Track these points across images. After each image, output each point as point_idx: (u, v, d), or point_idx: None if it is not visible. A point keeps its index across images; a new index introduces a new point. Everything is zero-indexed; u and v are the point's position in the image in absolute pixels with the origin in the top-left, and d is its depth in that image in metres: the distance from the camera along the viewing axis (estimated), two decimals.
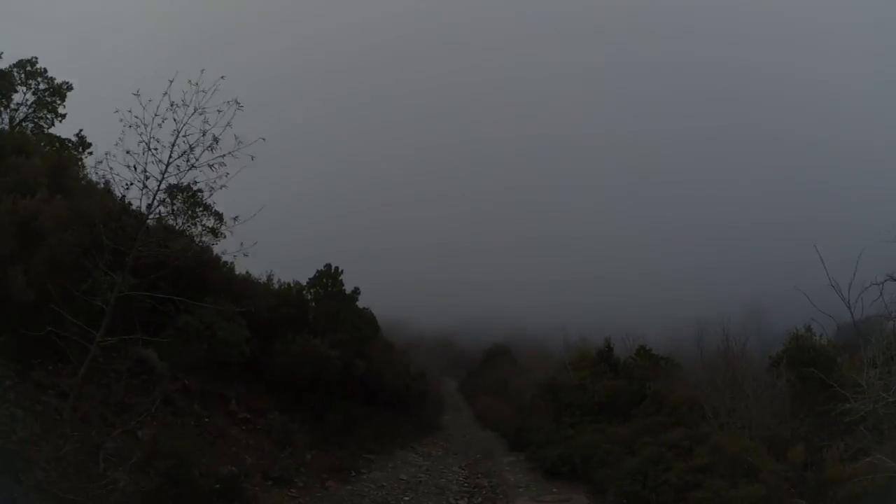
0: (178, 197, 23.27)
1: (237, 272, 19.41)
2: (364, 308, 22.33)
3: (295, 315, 19.34)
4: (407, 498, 12.81)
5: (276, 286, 20.32)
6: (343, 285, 21.98)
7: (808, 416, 11.27)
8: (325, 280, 21.67)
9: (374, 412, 22.20)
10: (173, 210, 22.23)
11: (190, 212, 23.36)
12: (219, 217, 23.47)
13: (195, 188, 23.33)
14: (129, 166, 10.57)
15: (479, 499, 13.39)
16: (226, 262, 20.53)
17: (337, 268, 22.09)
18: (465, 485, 15.04)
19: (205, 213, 23.52)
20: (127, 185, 10.86)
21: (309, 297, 21.36)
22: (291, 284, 20.74)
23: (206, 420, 14.47)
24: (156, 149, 10.49)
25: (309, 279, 21.76)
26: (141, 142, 10.32)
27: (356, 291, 21.82)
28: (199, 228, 23.01)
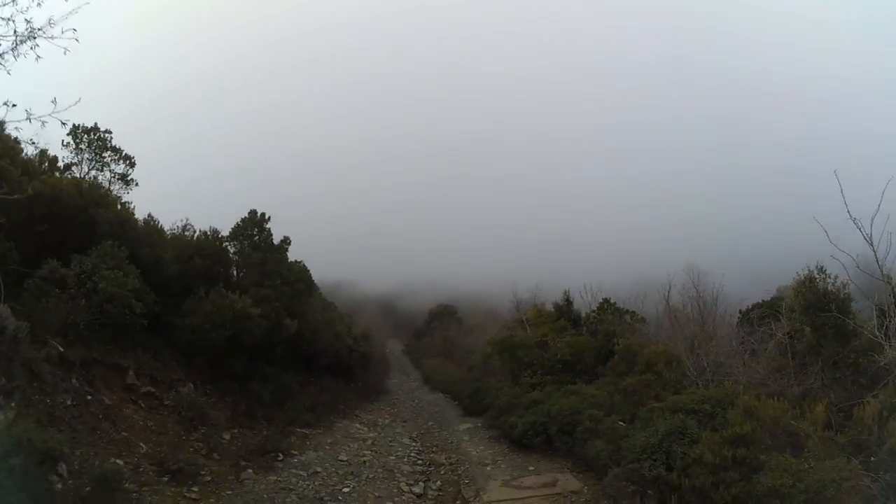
0: (83, 138, 19.38)
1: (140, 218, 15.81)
2: (296, 261, 19.07)
3: (210, 267, 15.93)
4: (347, 489, 10.03)
5: (194, 237, 16.73)
6: (271, 235, 18.59)
7: (825, 370, 9.30)
8: (248, 229, 18.20)
9: (312, 379, 19.28)
10: (77, 153, 18.90)
11: (97, 156, 19.47)
12: (129, 161, 19.85)
13: (103, 129, 20.09)
14: None
15: (438, 482, 10.85)
16: (125, 203, 16.87)
17: (263, 214, 18.59)
18: (419, 463, 12.49)
19: (114, 156, 19.66)
20: None
21: (232, 249, 17.91)
22: (209, 233, 17.16)
23: (90, 397, 11.17)
24: None
25: (231, 229, 18.24)
26: None
27: (286, 241, 18.49)
28: (109, 175, 19.58)
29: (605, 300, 19.49)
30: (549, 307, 22.47)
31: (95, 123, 18.38)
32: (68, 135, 18.37)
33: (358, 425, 17.20)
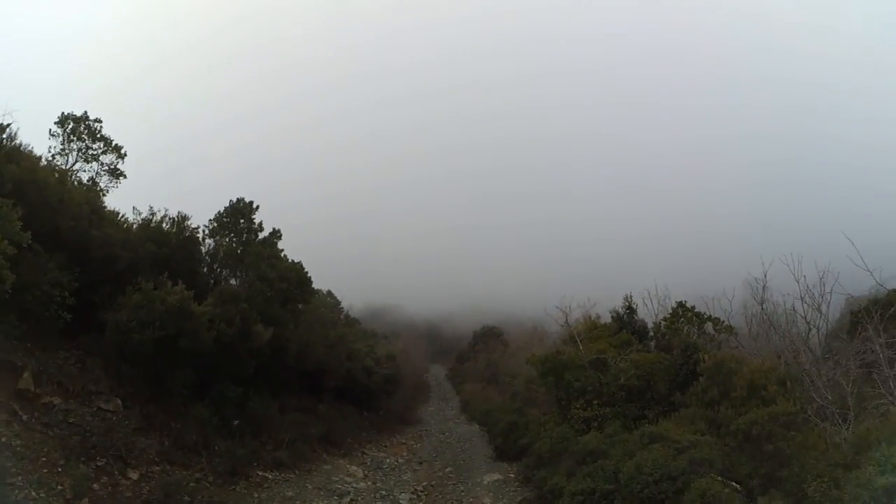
0: (69, 126, 16.73)
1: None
2: (293, 261, 15.11)
3: (170, 257, 12.23)
4: None
5: (153, 222, 13.19)
6: (260, 228, 14.83)
7: None
8: (229, 219, 14.51)
9: (305, 404, 15.01)
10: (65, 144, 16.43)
11: (85, 146, 16.76)
12: (119, 152, 17.03)
13: (92, 119, 17.45)
14: None
15: None
16: (57, 165, 13.63)
17: (250, 203, 14.91)
18: None
19: (104, 147, 16.86)
20: None
21: (210, 241, 14.27)
22: (176, 219, 13.55)
23: None
24: None
25: (210, 219, 14.64)
26: None
27: (275, 234, 14.65)
28: (97, 166, 16.87)
29: (680, 304, 14.28)
30: (607, 320, 17.35)
31: (85, 112, 15.78)
32: (56, 123, 15.82)
33: (354, 467, 12.76)
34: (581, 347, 14.42)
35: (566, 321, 18.34)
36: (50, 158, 14.71)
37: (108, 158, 16.54)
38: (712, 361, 11.52)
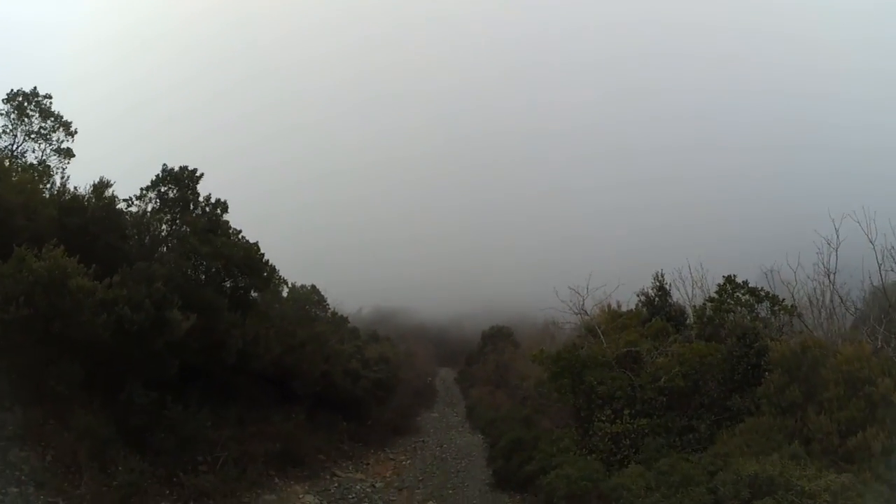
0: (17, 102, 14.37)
1: None
2: (243, 239, 12.04)
3: (72, 226, 9.27)
4: None
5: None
6: (209, 203, 11.81)
7: None
8: (167, 188, 11.51)
9: (258, 414, 11.83)
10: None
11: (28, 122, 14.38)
12: (68, 129, 14.79)
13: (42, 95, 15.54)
14: None
15: None
16: None
17: (194, 171, 11.90)
18: None
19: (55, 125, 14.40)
20: None
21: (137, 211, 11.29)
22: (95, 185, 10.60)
23: None
24: None
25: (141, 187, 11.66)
26: None
27: (219, 205, 11.63)
28: (47, 147, 14.76)
29: (728, 279, 10.78)
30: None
31: (34, 87, 14.13)
32: (3, 101, 13.90)
33: (309, 497, 9.57)
34: (603, 340, 11.02)
35: (582, 307, 14.72)
36: None
37: (57, 136, 14.68)
38: (787, 350, 8.16)
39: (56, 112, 14.60)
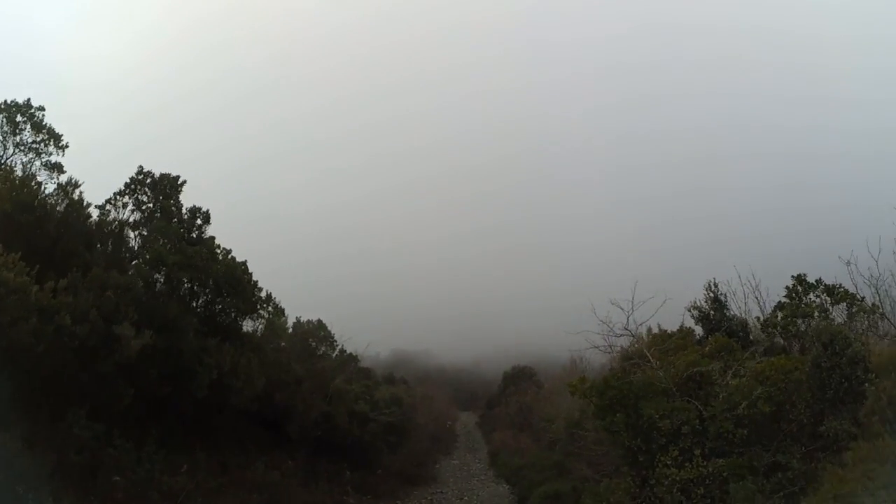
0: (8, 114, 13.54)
1: None
2: (228, 255, 10.41)
3: (27, 225, 7.76)
4: None
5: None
6: (195, 215, 10.30)
7: None
8: (137, 193, 10.05)
9: (247, 461, 9.78)
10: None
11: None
12: (59, 143, 13.65)
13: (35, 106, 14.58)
14: None
15: None
16: None
17: (176, 178, 10.46)
18: None
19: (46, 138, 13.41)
20: None
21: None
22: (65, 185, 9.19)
23: None
24: None
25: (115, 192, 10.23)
26: None
27: (197, 213, 10.07)
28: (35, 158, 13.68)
29: (800, 277, 8.67)
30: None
31: (28, 99, 12.98)
32: None
33: None
34: (655, 365, 8.83)
35: (625, 327, 12.10)
36: None
37: (48, 150, 13.58)
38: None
39: (48, 125, 13.75)
